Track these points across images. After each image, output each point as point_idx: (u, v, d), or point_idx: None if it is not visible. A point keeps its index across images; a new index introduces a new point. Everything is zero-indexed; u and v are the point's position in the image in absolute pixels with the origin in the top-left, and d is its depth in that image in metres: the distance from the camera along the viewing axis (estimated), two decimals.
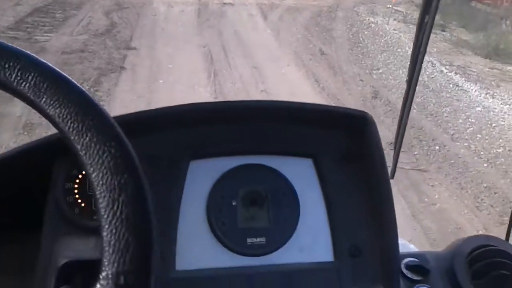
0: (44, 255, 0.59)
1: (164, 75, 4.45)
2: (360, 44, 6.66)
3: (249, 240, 0.66)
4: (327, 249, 0.67)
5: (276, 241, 0.67)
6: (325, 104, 0.89)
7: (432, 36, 4.75)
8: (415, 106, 4.46)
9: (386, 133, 3.85)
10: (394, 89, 4.81)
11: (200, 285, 0.64)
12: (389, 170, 0.74)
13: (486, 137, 3.87)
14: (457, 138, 3.80)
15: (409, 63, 1.02)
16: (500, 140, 3.83)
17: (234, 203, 0.68)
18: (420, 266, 0.70)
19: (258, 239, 0.66)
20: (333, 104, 4.33)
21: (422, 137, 3.74)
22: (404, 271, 0.70)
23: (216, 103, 0.76)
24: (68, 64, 4.41)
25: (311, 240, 0.68)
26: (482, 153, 3.59)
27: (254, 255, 0.66)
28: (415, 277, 0.70)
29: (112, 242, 0.33)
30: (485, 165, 3.41)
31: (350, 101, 4.44)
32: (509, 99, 4.87)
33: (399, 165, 3.23)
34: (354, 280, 0.65)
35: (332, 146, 0.71)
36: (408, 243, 0.97)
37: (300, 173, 0.70)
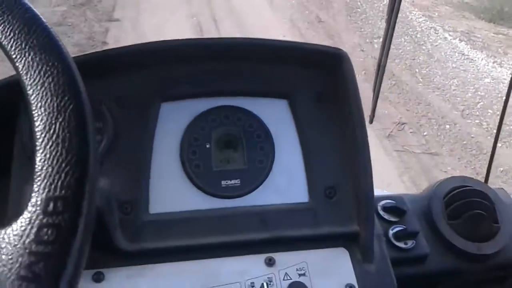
0: (14, 199, 0.58)
1: None
2: (358, 10, 6.28)
3: (223, 183, 0.66)
4: (302, 190, 0.67)
5: (251, 183, 0.66)
6: (298, 41, 0.76)
7: None
8: (420, 79, 4.19)
9: (392, 111, 3.60)
10: (397, 60, 4.51)
11: (174, 228, 0.62)
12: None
13: (498, 112, 3.61)
14: (467, 114, 3.55)
15: (387, 5, 0.98)
16: None
17: (208, 146, 0.67)
18: (397, 207, 0.70)
19: (233, 181, 0.66)
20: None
21: (430, 115, 3.48)
22: (381, 212, 0.71)
23: (186, 40, 0.69)
24: None
25: (286, 181, 0.67)
26: (495, 131, 3.34)
27: (229, 197, 0.65)
28: (392, 218, 0.70)
29: (44, 168, 0.31)
30: (499, 145, 3.16)
31: None
32: None
33: (408, 149, 2.98)
34: (330, 221, 0.65)
35: (307, 86, 0.69)
36: (386, 191, 0.98)
37: (275, 115, 0.69)
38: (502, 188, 0.81)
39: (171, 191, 0.65)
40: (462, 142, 3.16)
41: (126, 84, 0.66)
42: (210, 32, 4.90)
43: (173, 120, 0.67)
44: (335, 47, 0.68)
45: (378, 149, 2.97)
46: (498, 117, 3.60)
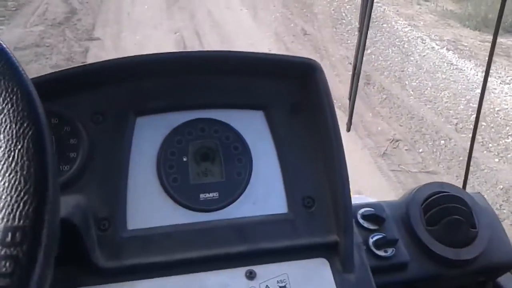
0: None
1: None
2: (344, 21, 6.21)
3: (202, 196, 0.65)
4: (281, 201, 0.67)
5: (229, 196, 0.66)
6: (273, 53, 0.74)
7: (416, 7, 4.37)
8: (411, 92, 4.11)
9: (385, 127, 3.50)
10: (386, 72, 4.43)
11: (153, 243, 0.62)
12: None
13: (492, 125, 3.54)
14: (461, 128, 3.46)
15: (359, 14, 0.97)
16: (507, 128, 3.51)
17: (185, 159, 0.67)
18: (376, 215, 0.70)
19: (211, 194, 0.66)
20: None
21: (424, 130, 3.39)
22: (360, 221, 0.71)
23: (159, 54, 0.67)
24: (21, 63, 3.86)
25: (265, 193, 0.67)
26: (490, 145, 3.27)
27: (208, 210, 0.65)
28: (371, 227, 0.71)
29: (3, 197, 0.31)
30: (497, 160, 3.09)
31: (341, 89, 4.05)
32: (507, 77, 4.54)
33: (405, 168, 2.87)
34: (309, 231, 0.65)
35: (282, 97, 0.70)
36: (368, 197, 0.96)
37: (252, 126, 0.69)
38: (479, 193, 0.81)
39: (149, 206, 0.64)
40: (459, 158, 3.06)
41: (101, 99, 0.66)
42: (194, 47, 4.78)
43: (149, 135, 0.67)
44: (307, 58, 0.68)
45: (374, 169, 2.86)
46: (493, 130, 3.49)
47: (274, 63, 0.71)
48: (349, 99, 1.07)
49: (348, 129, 1.11)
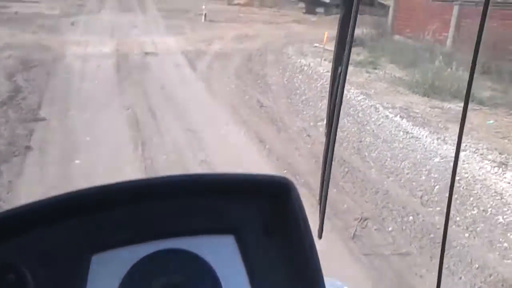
0: None
1: (81, 153, 3.71)
2: (297, 91, 6.28)
3: None
4: None
5: None
6: (241, 172, 0.64)
7: (365, 75, 4.44)
8: (372, 164, 4.07)
9: (350, 204, 3.37)
10: (345, 143, 4.40)
11: None
12: None
13: (456, 196, 3.49)
14: (427, 201, 3.40)
15: (326, 116, 0.94)
16: (471, 199, 3.48)
17: None
18: None
19: None
20: (261, 173, 3.89)
21: (391, 205, 3.29)
22: None
23: (113, 185, 0.59)
24: None
25: None
26: (458, 218, 3.19)
27: None
28: None
29: None
30: (467, 235, 3.00)
31: (303, 163, 3.96)
32: (462, 143, 4.61)
33: (377, 251, 2.70)
34: None
35: (254, 218, 0.65)
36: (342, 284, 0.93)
37: (221, 253, 0.63)
38: None
39: None
40: (429, 235, 2.96)
41: (49, 238, 0.58)
42: (148, 123, 4.60)
43: (106, 274, 0.59)
44: (279, 176, 0.65)
45: (346, 255, 2.69)
46: (457, 201, 3.38)
47: (243, 183, 0.67)
48: (319, 204, 1.02)
49: (320, 236, 1.03)
